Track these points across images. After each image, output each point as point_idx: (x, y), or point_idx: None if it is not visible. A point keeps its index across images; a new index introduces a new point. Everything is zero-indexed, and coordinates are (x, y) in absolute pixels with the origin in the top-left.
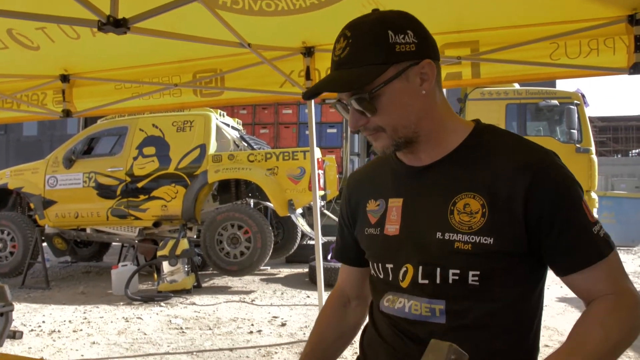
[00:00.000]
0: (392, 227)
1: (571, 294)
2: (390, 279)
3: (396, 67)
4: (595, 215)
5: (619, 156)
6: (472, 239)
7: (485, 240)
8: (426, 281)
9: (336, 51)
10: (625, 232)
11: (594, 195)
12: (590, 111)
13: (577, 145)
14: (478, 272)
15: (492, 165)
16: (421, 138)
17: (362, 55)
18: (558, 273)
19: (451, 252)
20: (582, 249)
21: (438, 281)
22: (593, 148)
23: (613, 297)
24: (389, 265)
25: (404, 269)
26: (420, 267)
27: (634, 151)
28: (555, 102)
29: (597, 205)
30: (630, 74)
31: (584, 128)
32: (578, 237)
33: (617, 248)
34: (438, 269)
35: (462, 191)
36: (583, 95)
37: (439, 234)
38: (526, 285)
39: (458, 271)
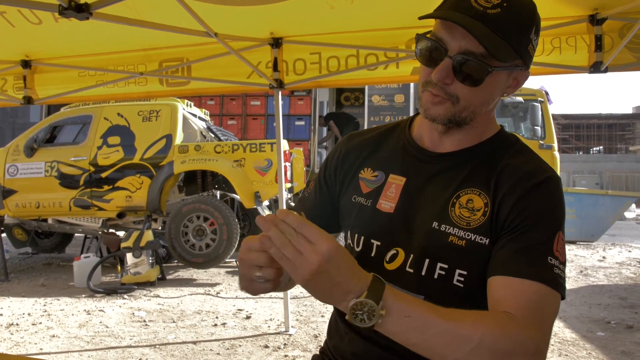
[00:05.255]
0: (387, 204)
1: None
2: (372, 255)
3: (514, 62)
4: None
5: (581, 153)
6: (468, 235)
7: (481, 240)
8: (412, 270)
9: (485, 1)
10: (586, 227)
11: None
12: (554, 109)
13: (541, 142)
14: (465, 273)
15: (503, 169)
16: (466, 127)
17: (509, 31)
18: (487, 274)
19: (444, 245)
20: (524, 261)
21: (423, 273)
22: (556, 145)
23: (515, 317)
24: (376, 242)
25: (393, 251)
26: (411, 255)
27: (594, 148)
28: (520, 99)
29: None
30: (590, 72)
31: (547, 125)
32: (528, 251)
33: (577, 243)
34: (427, 260)
35: (469, 186)
36: (547, 93)
37: (435, 224)
38: None
39: (446, 266)
